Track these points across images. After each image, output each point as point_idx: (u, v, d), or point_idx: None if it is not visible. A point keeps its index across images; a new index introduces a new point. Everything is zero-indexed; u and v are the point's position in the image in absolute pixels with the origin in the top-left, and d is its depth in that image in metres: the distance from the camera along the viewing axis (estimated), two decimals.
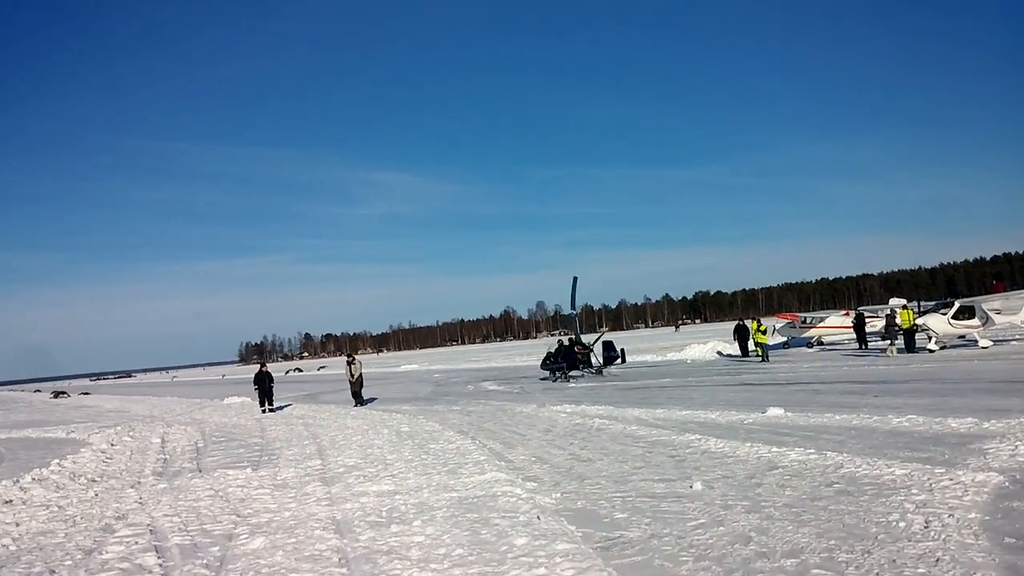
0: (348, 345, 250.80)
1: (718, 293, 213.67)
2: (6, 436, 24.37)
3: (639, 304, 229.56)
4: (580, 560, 5.71)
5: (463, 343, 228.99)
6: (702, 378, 23.08)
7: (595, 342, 30.53)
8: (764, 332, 29.18)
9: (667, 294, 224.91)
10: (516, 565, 5.71)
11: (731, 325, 36.89)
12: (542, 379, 28.14)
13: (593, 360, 29.13)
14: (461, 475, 9.63)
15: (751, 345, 30.80)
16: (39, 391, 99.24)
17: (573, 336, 30.63)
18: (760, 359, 28.01)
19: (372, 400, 25.14)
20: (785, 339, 35.48)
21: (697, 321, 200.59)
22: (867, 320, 30.74)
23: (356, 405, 23.29)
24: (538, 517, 7.10)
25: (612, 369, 29.69)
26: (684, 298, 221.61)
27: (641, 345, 58.82)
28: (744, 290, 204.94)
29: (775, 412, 12.85)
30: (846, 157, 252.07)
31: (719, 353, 35.12)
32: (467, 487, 8.85)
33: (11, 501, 10.33)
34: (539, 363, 29.35)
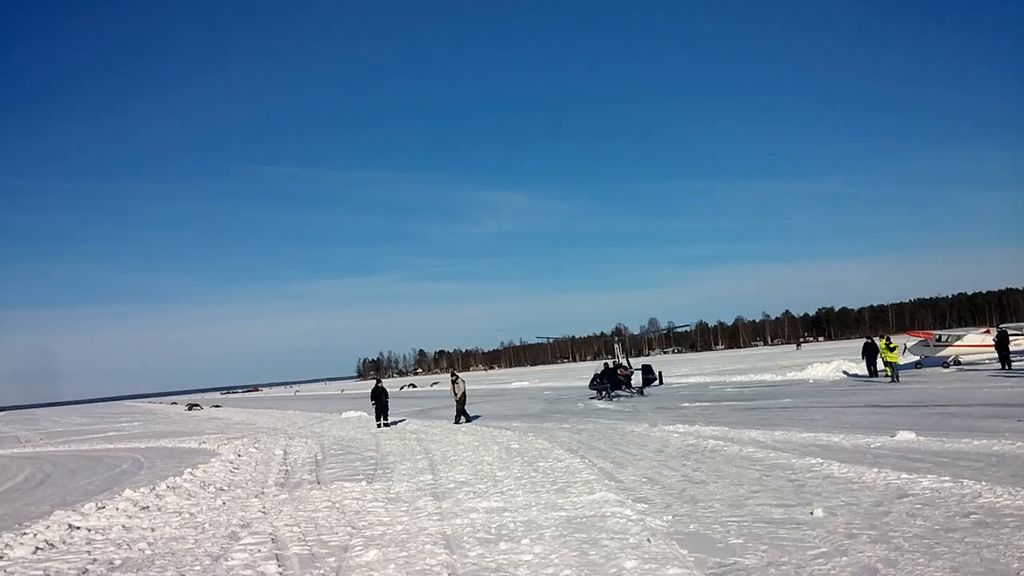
0: (460, 362, 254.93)
1: (843, 309, 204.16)
2: (145, 446, 26.11)
3: (757, 321, 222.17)
4: None
5: (574, 360, 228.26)
6: (825, 399, 22.05)
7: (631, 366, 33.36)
8: (894, 350, 27.58)
9: (787, 310, 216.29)
10: None
11: (857, 343, 35.15)
12: (590, 398, 31.26)
13: (634, 381, 31.85)
14: (570, 494, 9.56)
15: (880, 364, 29.19)
16: (175, 403, 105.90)
17: (618, 360, 33.74)
18: (889, 379, 26.50)
19: (477, 417, 25.36)
20: (917, 358, 33.41)
21: (820, 339, 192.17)
22: (1011, 338, 28.54)
23: (461, 422, 23.62)
24: (648, 540, 6.94)
25: (651, 389, 33.01)
26: (806, 315, 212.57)
27: (759, 364, 56.90)
28: (872, 306, 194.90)
29: (906, 436, 12.11)
30: (985, 163, 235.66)
31: (844, 373, 33.47)
32: (576, 506, 8.77)
33: (148, 507, 11.02)
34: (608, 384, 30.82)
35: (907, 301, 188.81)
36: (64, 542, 8.91)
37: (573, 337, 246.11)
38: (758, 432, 14.50)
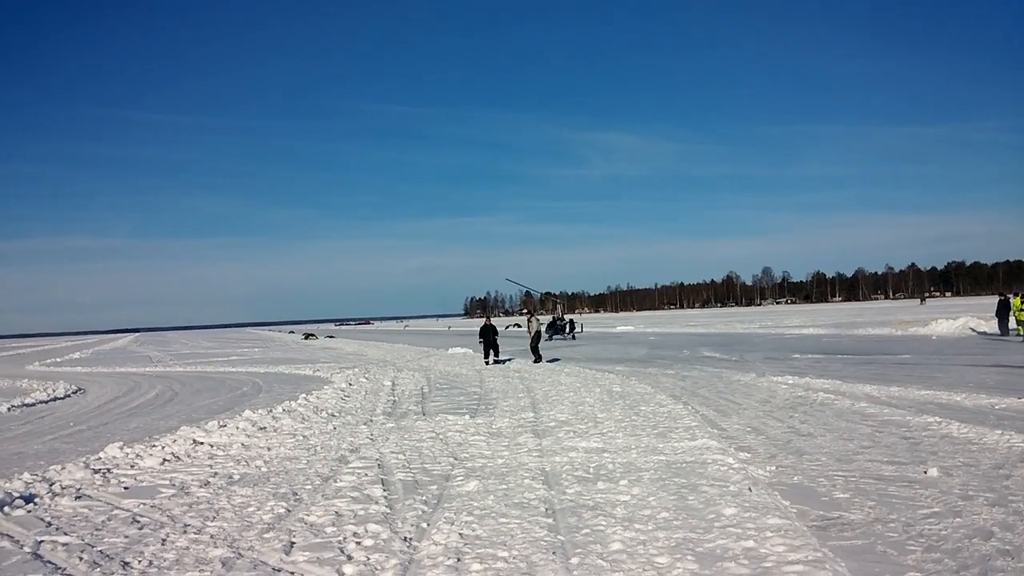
0: (566, 304, 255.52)
1: (975, 264, 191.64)
2: (264, 371, 27.61)
3: (879, 273, 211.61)
4: (793, 537, 5.40)
5: (681, 307, 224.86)
6: (948, 356, 20.88)
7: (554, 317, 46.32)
8: None
9: (913, 263, 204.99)
10: (723, 535, 5.51)
11: (988, 300, 32.96)
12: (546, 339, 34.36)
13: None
14: (671, 439, 9.47)
15: (1012, 323, 27.34)
16: (292, 332, 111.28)
17: (559, 314, 47.12)
18: (1022, 339, 24.80)
19: (555, 360, 25.38)
20: None
21: (947, 294, 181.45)
22: None
23: (535, 361, 23.89)
24: (750, 489, 6.80)
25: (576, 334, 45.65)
26: (933, 268, 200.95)
27: (878, 317, 54.45)
28: (1008, 261, 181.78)
29: None
30: None
31: (972, 330, 31.55)
32: (676, 452, 8.69)
33: (264, 428, 11.67)
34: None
35: None
36: (189, 455, 9.58)
37: (682, 284, 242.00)
38: (872, 387, 13.90)
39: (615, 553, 5.22)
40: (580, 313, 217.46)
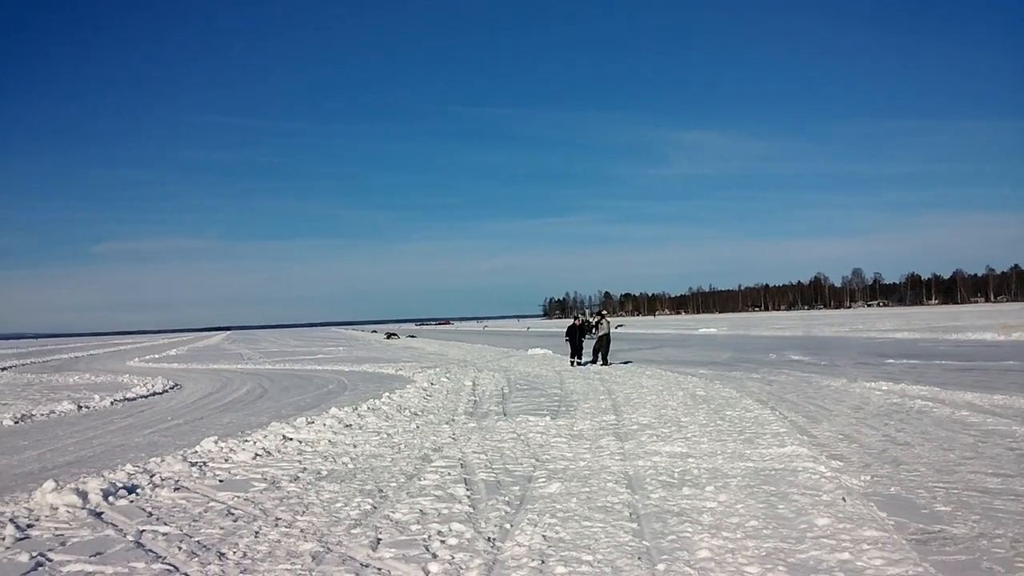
0: (646, 305, 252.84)
1: None
2: (349, 369, 28.25)
3: (979, 275, 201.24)
4: (891, 551, 5.16)
5: (766, 309, 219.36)
6: None
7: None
8: None
9: (1016, 264, 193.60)
10: (816, 546, 5.32)
11: None
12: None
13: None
14: (758, 445, 9.22)
15: None
16: (375, 331, 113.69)
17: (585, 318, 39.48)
18: None
19: (628, 362, 24.94)
20: None
21: None
22: None
23: (600, 364, 23.56)
24: (843, 499, 6.55)
25: None
26: None
27: (979, 321, 51.86)
28: None
29: None
30: None
31: None
32: (764, 458, 8.45)
33: (350, 425, 11.92)
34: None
35: None
36: (279, 451, 9.87)
37: (766, 285, 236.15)
38: (974, 395, 13.22)
39: (702, 561, 5.10)
40: (677, 314, 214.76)
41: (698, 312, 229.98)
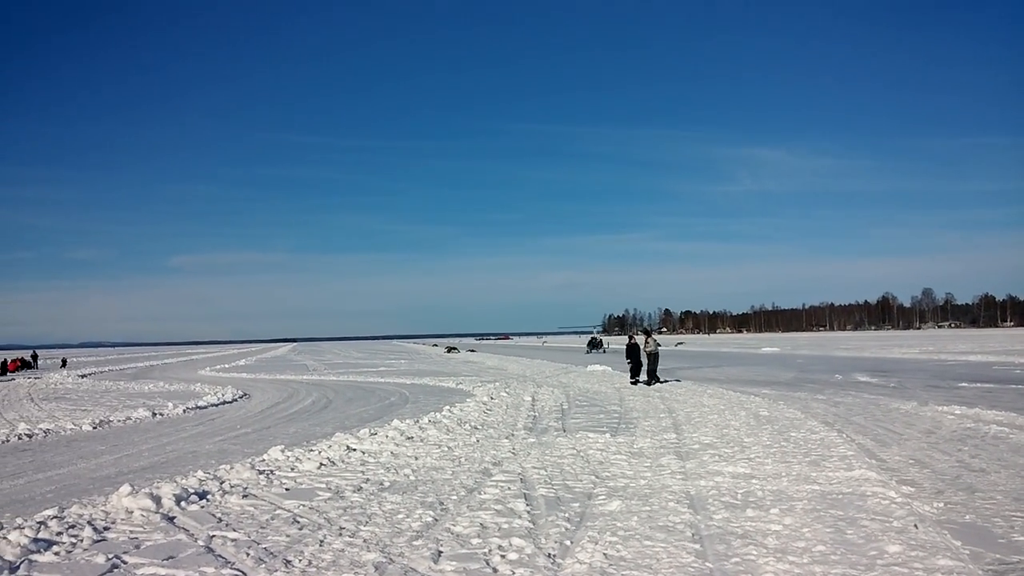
0: (707, 323, 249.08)
1: None
2: (410, 382, 28.55)
3: None
4: None
5: (831, 329, 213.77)
6: None
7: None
8: None
9: None
10: (887, 573, 5.17)
11: None
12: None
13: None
14: (825, 468, 9.00)
15: None
16: (436, 345, 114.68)
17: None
18: None
19: (667, 381, 24.41)
20: None
21: None
22: None
23: (648, 383, 23.12)
24: (915, 526, 6.34)
25: None
26: None
27: None
28: None
29: None
30: None
31: None
32: (831, 481, 8.24)
33: (412, 438, 12.06)
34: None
35: None
36: (343, 461, 10.05)
37: (831, 304, 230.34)
38: None
39: None
40: (738, 333, 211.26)
41: (760, 331, 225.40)
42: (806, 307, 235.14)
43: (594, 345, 62.37)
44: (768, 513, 6.87)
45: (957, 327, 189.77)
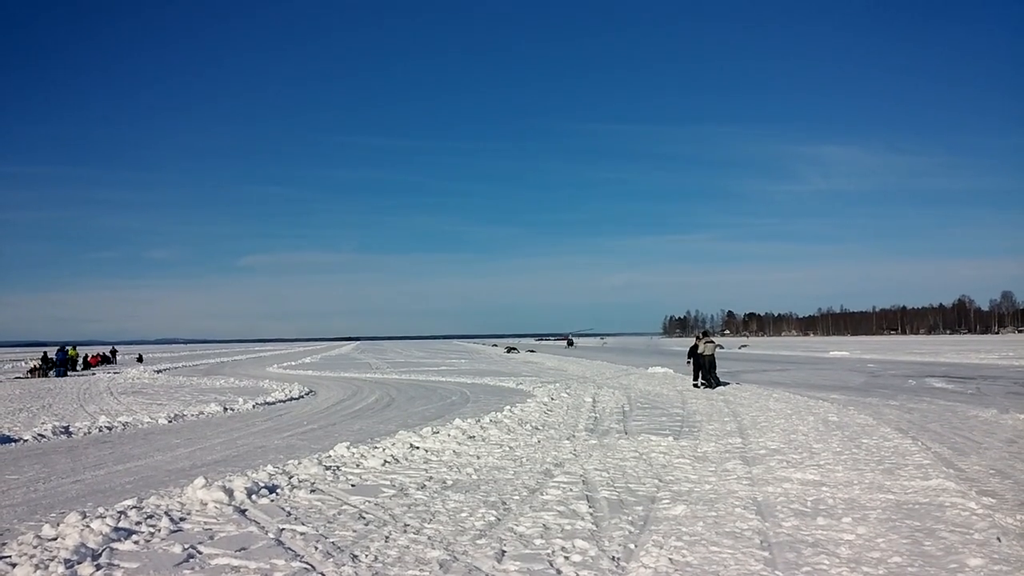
0: (771, 326, 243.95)
1: None
2: (471, 382, 28.71)
3: None
4: None
5: (903, 333, 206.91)
6: None
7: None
8: None
9: None
10: None
11: None
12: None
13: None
14: (899, 477, 8.71)
15: None
16: (496, 345, 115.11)
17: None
18: None
19: (728, 383, 23.85)
20: None
21: None
22: None
23: (705, 386, 22.67)
24: (998, 539, 6.08)
25: None
26: None
27: None
28: None
29: None
30: None
31: None
32: (906, 491, 7.97)
33: (473, 437, 12.12)
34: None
35: None
36: (406, 458, 10.16)
37: (904, 307, 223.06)
38: None
39: None
40: (805, 336, 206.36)
41: (828, 334, 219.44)
42: (877, 310, 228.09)
43: (570, 344, 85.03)
44: (840, 522, 6.68)
45: None
